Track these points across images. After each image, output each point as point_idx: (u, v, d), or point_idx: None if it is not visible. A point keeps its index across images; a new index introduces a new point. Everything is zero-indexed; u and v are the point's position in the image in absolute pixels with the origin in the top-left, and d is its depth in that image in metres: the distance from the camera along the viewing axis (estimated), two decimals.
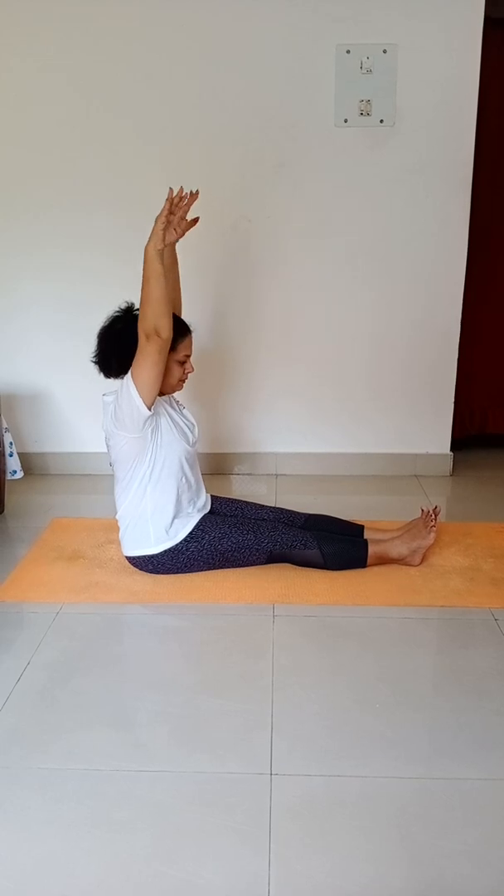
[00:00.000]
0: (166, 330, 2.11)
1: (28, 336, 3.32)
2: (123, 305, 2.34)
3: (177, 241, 2.19)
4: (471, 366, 3.50)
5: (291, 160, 3.08)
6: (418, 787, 1.54)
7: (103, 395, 2.35)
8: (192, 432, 2.44)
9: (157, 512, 2.35)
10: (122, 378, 2.25)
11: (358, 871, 1.35)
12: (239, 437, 3.44)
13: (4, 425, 2.95)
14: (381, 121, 3.00)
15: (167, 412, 2.35)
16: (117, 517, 2.43)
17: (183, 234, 2.18)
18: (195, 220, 2.21)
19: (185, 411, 2.49)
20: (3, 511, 2.99)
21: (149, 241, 2.10)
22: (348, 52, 2.92)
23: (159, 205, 3.26)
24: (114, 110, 3.04)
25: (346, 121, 3.00)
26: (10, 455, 2.99)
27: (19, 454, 3.08)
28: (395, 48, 2.92)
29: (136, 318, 2.23)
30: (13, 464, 3.00)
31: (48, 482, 3.37)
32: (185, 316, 2.42)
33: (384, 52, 2.92)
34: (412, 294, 3.23)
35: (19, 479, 3.04)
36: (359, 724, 1.73)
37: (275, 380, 3.35)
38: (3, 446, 2.93)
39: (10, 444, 2.99)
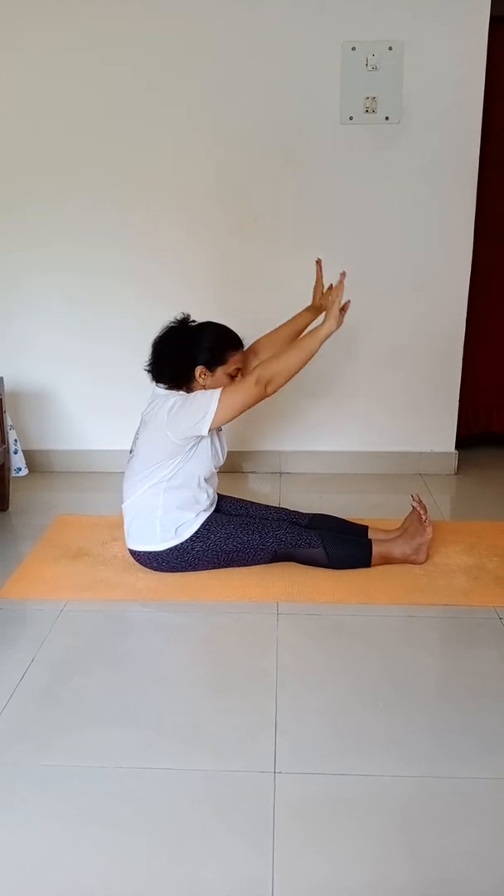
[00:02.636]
0: (274, 388, 2.24)
1: (32, 333, 3.32)
2: (179, 316, 2.36)
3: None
4: (476, 364, 3.49)
5: (297, 158, 3.07)
6: (421, 787, 1.54)
7: (157, 384, 2.36)
8: (221, 456, 2.44)
9: (167, 515, 2.35)
10: (174, 389, 2.31)
11: (360, 870, 1.34)
12: (243, 435, 3.43)
13: (9, 422, 2.95)
14: (387, 118, 2.99)
15: (212, 433, 2.36)
16: (123, 507, 2.42)
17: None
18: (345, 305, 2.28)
19: (222, 435, 2.49)
20: (7, 508, 2.99)
21: (324, 328, 2.21)
22: (354, 48, 2.91)
23: (163, 202, 3.27)
24: (120, 107, 3.04)
25: (351, 118, 2.99)
26: (15, 452, 2.99)
27: (24, 451, 3.08)
28: (400, 45, 2.91)
29: (189, 330, 2.32)
30: (18, 461, 3.00)
31: (52, 479, 3.37)
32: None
33: (390, 49, 2.90)
34: (417, 292, 3.22)
35: (24, 476, 3.04)
36: (362, 723, 1.73)
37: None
38: (8, 443, 2.93)
39: (15, 441, 2.99)
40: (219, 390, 2.22)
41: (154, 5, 2.91)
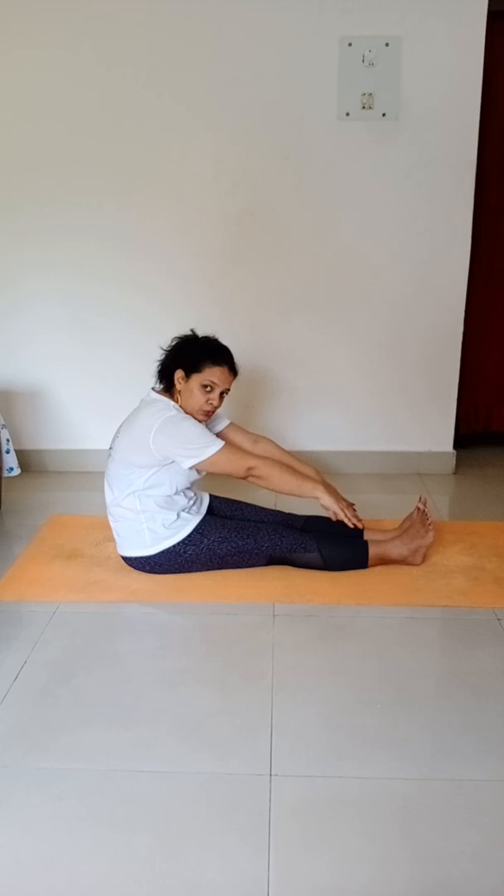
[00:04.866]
0: (252, 481, 2.33)
1: (27, 332, 3.29)
2: (184, 333, 2.42)
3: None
4: (476, 363, 3.48)
5: (294, 154, 3.05)
6: (421, 788, 1.52)
7: (152, 388, 2.39)
8: (200, 473, 2.42)
9: (153, 519, 2.34)
10: (164, 393, 2.36)
11: (359, 872, 1.32)
12: None
13: (1, 422, 2.92)
14: (384, 114, 2.97)
15: None
16: (108, 510, 2.40)
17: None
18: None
19: None
20: (0, 509, 2.96)
21: (323, 497, 2.35)
22: (350, 44, 2.89)
23: (161, 201, 3.24)
24: (118, 105, 3.01)
25: (348, 114, 2.97)
26: (7, 452, 2.96)
27: (16, 451, 3.05)
28: (397, 41, 2.89)
29: (188, 338, 2.38)
30: (10, 461, 2.97)
31: (46, 479, 3.35)
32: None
33: (386, 45, 2.89)
34: (415, 289, 3.20)
35: (16, 476, 3.01)
36: (360, 725, 1.70)
37: (276, 377, 3.33)
38: (0, 443, 2.90)
39: (7, 440, 2.96)
40: (221, 443, 2.27)
41: (153, 2, 2.89)
